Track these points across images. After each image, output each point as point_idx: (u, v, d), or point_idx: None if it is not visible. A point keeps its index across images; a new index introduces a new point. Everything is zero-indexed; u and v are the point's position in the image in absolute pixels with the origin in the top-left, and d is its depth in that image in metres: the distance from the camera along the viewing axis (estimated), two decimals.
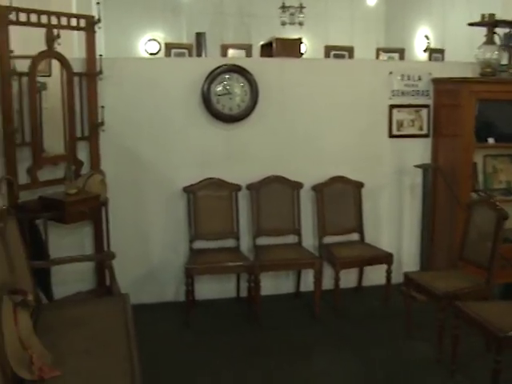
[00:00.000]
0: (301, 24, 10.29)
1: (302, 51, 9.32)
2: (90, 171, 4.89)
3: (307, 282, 5.44)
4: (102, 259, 4.78)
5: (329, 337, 4.74)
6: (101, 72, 4.85)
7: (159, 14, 11.80)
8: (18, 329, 2.83)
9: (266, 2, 11.28)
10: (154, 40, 12.03)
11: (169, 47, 9.66)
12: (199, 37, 11.34)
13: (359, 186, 5.54)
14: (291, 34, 9.90)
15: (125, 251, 4.89)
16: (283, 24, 10.32)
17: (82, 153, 4.92)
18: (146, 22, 11.81)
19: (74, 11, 6.64)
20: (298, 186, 5.42)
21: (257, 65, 5.37)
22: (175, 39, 11.27)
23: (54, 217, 4.51)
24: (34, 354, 2.83)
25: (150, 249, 5.38)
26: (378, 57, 9.36)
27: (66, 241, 5.00)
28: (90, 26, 4.74)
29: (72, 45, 6.14)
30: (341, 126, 5.54)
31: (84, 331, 3.44)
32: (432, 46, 10.45)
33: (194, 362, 4.32)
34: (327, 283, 5.29)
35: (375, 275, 5.51)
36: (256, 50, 9.21)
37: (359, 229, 5.56)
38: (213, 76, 5.20)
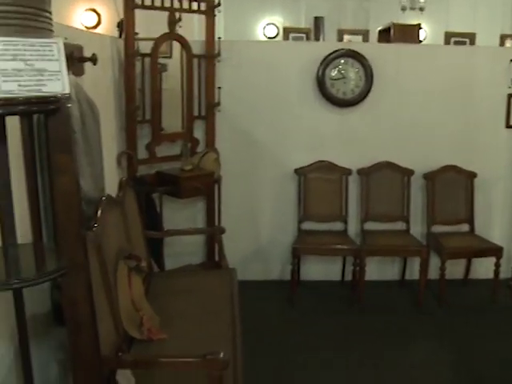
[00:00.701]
0: (421, 9, 10.03)
1: (421, 38, 9.12)
2: (205, 149, 5.07)
3: (413, 269, 5.40)
4: (213, 233, 4.97)
5: (431, 327, 4.69)
6: (219, 54, 4.99)
7: None
8: (132, 291, 3.03)
9: None
10: (273, 24, 12.12)
11: (287, 31, 9.73)
12: (317, 21, 11.32)
13: (472, 176, 5.41)
14: (411, 19, 9.67)
15: (235, 228, 5.05)
16: (403, 9, 10.09)
17: (198, 132, 5.11)
18: (265, 6, 11.91)
19: None
20: (408, 172, 5.37)
21: (373, 50, 5.34)
22: (293, 24, 11.28)
23: (170, 191, 4.76)
24: (145, 315, 3.03)
25: (259, 227, 5.52)
26: (502, 44, 9.02)
27: (179, 215, 5.22)
28: (210, 9, 4.89)
29: (192, 27, 6.34)
30: (455, 114, 5.41)
31: (191, 300, 3.62)
32: None
33: (295, 340, 4.42)
34: (433, 273, 5.24)
35: (483, 268, 5.40)
36: (374, 36, 9.11)
37: (469, 220, 5.44)
38: (328, 60, 5.23)
